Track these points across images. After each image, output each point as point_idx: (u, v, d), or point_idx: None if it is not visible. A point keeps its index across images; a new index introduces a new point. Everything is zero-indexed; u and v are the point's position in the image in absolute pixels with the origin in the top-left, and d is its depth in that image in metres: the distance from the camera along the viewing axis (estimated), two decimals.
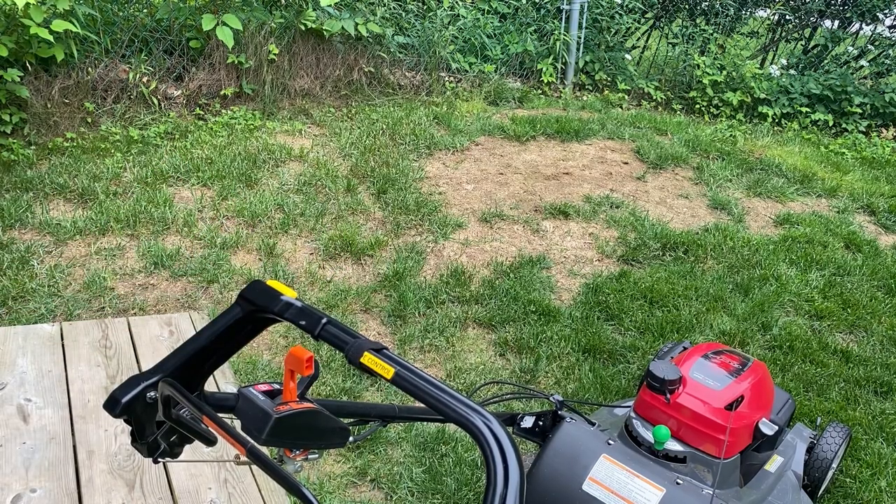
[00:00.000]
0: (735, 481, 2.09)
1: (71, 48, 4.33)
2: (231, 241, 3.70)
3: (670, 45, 6.91)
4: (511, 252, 3.93)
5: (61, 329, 2.59)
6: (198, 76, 5.03)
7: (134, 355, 2.50)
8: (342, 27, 5.22)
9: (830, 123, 6.22)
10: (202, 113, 4.98)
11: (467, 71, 6.05)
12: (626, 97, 6.36)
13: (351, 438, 0.92)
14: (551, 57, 6.32)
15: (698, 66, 6.38)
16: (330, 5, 5.08)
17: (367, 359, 0.83)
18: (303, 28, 5.20)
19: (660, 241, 4.10)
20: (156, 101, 4.85)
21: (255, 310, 0.86)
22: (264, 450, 0.82)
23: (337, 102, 5.47)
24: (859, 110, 6.18)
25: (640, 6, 6.85)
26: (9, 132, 4.28)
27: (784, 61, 6.75)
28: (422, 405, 0.79)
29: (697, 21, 6.93)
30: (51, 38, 4.04)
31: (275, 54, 5.11)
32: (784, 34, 7.27)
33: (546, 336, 3.26)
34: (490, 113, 5.63)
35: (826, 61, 6.82)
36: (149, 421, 0.88)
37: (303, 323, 0.89)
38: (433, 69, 5.86)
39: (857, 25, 7.06)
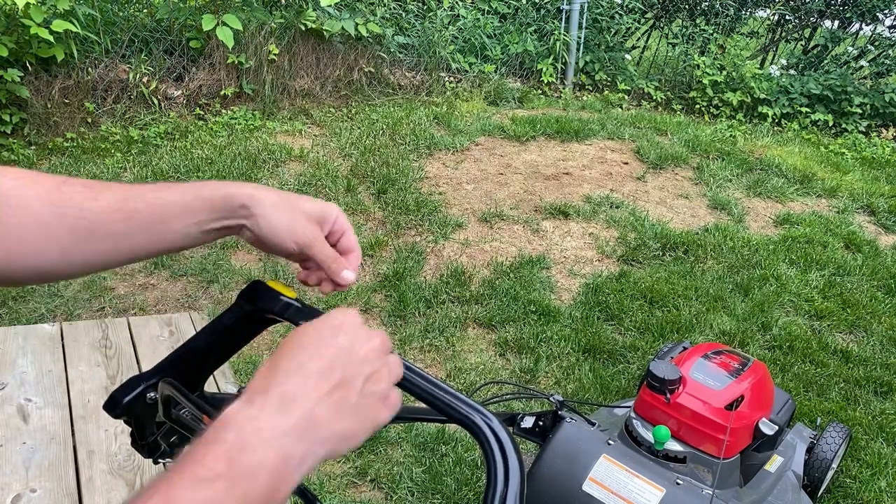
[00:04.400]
0: (735, 481, 2.09)
1: (71, 48, 4.33)
2: (231, 241, 3.70)
3: (670, 45, 6.91)
4: (511, 252, 3.93)
5: (61, 329, 2.59)
6: (198, 76, 5.03)
7: (134, 355, 2.50)
8: (342, 27, 5.22)
9: (830, 123, 6.22)
10: (202, 113, 4.98)
11: (467, 71, 6.05)
12: (626, 97, 6.36)
13: None
14: (551, 57, 6.32)
15: (698, 66, 6.38)
16: (330, 5, 5.08)
17: None
18: (303, 28, 5.20)
19: (660, 241, 4.10)
20: (156, 101, 4.85)
21: (254, 310, 0.86)
22: None
23: (337, 102, 5.47)
24: (859, 110, 6.18)
25: (640, 6, 6.85)
26: (9, 132, 4.28)
27: (784, 61, 6.75)
28: (422, 405, 0.79)
29: (697, 21, 6.93)
30: (51, 38, 4.04)
31: (275, 54, 5.11)
32: (784, 34, 7.27)
33: (546, 336, 3.26)
34: (490, 113, 5.63)
35: (826, 61, 6.82)
36: (149, 421, 0.88)
37: (303, 323, 0.89)
38: (433, 69, 5.86)
39: (857, 25, 7.06)
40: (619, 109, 6.16)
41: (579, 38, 6.37)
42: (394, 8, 6.14)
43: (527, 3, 6.62)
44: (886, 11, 6.68)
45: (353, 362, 0.59)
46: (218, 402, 0.90)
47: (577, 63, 6.46)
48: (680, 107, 6.39)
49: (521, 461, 0.69)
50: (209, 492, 0.48)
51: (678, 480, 1.82)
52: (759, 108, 6.23)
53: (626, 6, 6.67)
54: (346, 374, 0.58)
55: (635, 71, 6.66)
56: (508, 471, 0.67)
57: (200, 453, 0.51)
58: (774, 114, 6.21)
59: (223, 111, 5.01)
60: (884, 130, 6.22)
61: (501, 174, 4.73)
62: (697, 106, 6.33)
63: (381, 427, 0.61)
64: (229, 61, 4.98)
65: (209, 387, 0.90)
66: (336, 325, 0.62)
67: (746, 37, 7.18)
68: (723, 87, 6.30)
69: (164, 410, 0.85)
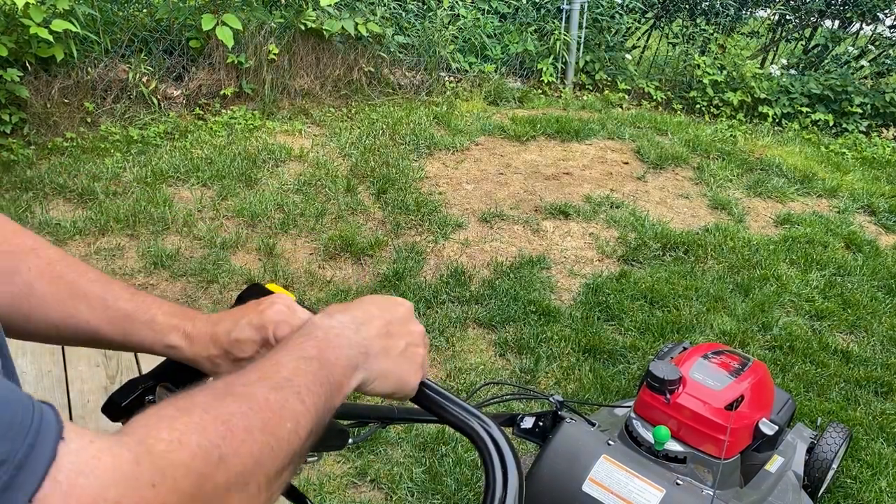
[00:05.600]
0: (735, 482, 2.09)
1: (71, 48, 4.33)
2: (231, 241, 3.70)
3: (670, 45, 6.91)
4: (511, 252, 3.92)
5: None
6: (197, 76, 5.03)
7: (133, 356, 2.50)
8: (342, 27, 5.22)
9: (831, 123, 6.21)
10: (202, 113, 4.97)
11: (467, 71, 6.05)
12: (627, 97, 6.36)
13: (350, 440, 0.92)
14: (551, 57, 6.32)
15: (698, 66, 6.37)
16: (330, 5, 5.07)
17: None
18: (303, 28, 5.20)
19: (660, 241, 4.09)
20: (155, 101, 4.85)
21: None
22: None
23: (337, 102, 5.46)
24: (860, 110, 6.18)
25: (641, 6, 6.85)
26: (8, 132, 4.28)
27: (784, 61, 6.75)
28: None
29: (698, 21, 6.92)
30: (50, 37, 4.03)
31: (275, 54, 5.11)
32: (784, 34, 7.27)
33: (546, 336, 3.26)
34: (490, 113, 5.63)
35: (826, 61, 6.82)
36: None
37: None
38: (433, 69, 5.85)
39: (857, 25, 7.06)
40: (620, 109, 6.15)
41: (579, 37, 6.36)
42: (394, 8, 6.14)
43: (527, 2, 6.62)
44: (887, 11, 6.68)
45: (403, 329, 0.76)
46: None
47: (577, 63, 6.45)
48: (680, 107, 6.38)
49: (520, 466, 0.69)
50: (306, 364, 0.63)
51: (678, 481, 1.81)
52: (760, 108, 6.23)
53: (627, 6, 6.66)
54: (397, 331, 0.75)
55: (635, 71, 6.66)
56: (507, 476, 0.67)
57: (299, 340, 0.67)
58: (775, 114, 6.21)
59: (223, 111, 5.01)
60: (884, 130, 6.21)
61: (501, 174, 4.73)
62: (698, 106, 6.32)
63: (406, 395, 0.76)
64: (229, 61, 4.98)
65: None
66: (398, 302, 0.79)
67: (747, 36, 7.18)
68: (723, 86, 6.30)
69: None
